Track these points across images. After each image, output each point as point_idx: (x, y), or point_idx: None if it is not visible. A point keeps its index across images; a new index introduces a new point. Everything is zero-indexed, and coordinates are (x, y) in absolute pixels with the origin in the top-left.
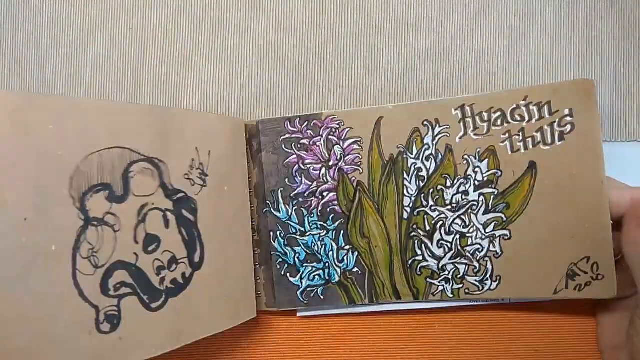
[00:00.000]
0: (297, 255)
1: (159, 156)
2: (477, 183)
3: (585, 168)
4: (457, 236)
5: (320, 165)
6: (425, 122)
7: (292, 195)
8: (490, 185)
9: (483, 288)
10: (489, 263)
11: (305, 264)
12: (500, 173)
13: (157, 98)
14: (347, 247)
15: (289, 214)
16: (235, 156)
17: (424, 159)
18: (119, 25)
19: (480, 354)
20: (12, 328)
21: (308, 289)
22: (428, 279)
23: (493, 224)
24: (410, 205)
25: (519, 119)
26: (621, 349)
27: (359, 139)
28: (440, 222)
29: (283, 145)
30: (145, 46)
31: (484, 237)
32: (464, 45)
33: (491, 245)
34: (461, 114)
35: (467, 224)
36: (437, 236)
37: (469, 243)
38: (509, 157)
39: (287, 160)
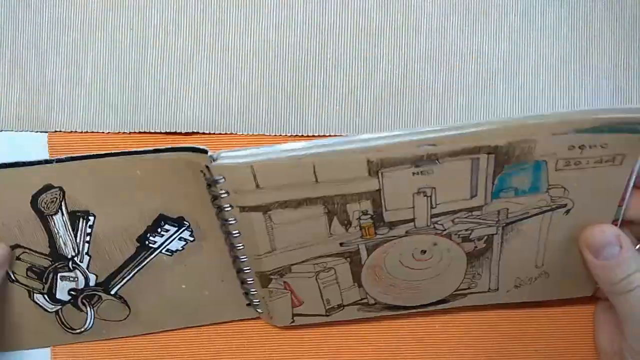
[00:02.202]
0: None
1: None
2: None
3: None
4: None
5: None
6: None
7: None
8: None
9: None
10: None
11: None
12: None
13: (157, 99)
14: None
15: None
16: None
17: None
18: (119, 26)
19: (480, 354)
20: None
21: None
22: None
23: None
24: None
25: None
26: (617, 355)
27: None
28: None
29: None
30: (146, 47)
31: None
32: (464, 46)
33: None
34: None
35: None
36: None
37: None
38: None
39: None
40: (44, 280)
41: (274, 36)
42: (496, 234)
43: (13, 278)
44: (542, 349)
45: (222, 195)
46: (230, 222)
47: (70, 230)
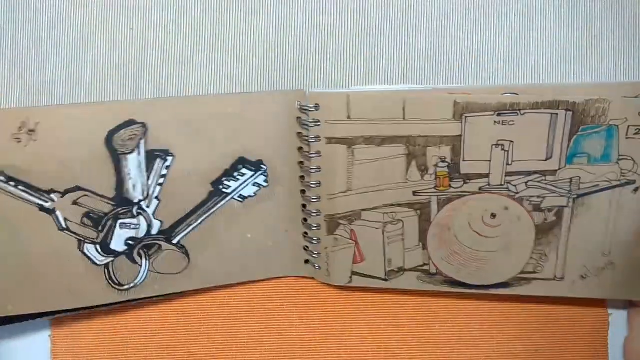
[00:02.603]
0: None
1: None
2: None
3: None
4: None
5: None
6: None
7: None
8: None
9: None
10: None
11: None
12: None
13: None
14: None
15: None
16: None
17: None
18: (119, 25)
19: (480, 354)
20: None
21: None
22: None
23: None
24: None
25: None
26: None
27: None
28: None
29: None
30: (146, 47)
31: None
32: (463, 46)
33: None
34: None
35: None
36: None
37: None
38: None
39: None
40: (100, 228)
41: (274, 36)
42: (567, 206)
43: (64, 226)
44: (543, 349)
45: (311, 126)
46: (312, 157)
47: (145, 170)
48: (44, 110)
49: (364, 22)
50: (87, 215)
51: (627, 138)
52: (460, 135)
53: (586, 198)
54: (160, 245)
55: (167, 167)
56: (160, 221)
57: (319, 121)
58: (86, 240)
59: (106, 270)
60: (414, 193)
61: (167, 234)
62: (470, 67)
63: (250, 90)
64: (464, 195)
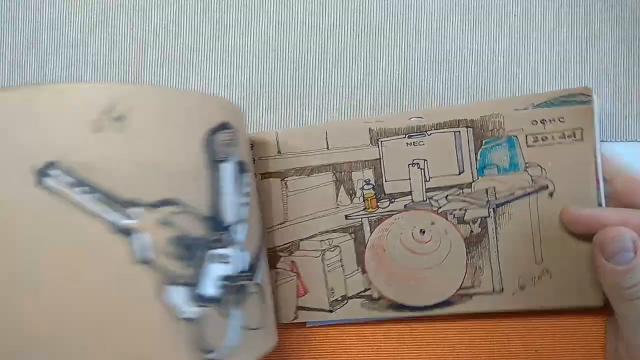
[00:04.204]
0: None
1: None
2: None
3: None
4: None
5: None
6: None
7: None
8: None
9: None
10: None
11: None
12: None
13: None
14: None
15: None
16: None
17: None
18: (119, 25)
19: (480, 354)
20: None
21: None
22: None
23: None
24: None
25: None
26: None
27: None
28: None
29: None
30: (146, 46)
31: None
32: (463, 46)
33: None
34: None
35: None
36: None
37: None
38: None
39: None
40: (192, 261)
41: (274, 36)
42: (489, 217)
43: (144, 255)
44: (543, 349)
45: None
46: None
47: (238, 185)
48: (143, 91)
49: (364, 22)
50: (177, 240)
51: (528, 146)
52: (379, 158)
53: (506, 207)
54: (245, 286)
55: (247, 184)
56: (249, 253)
57: (253, 159)
58: (173, 281)
59: (194, 328)
60: (346, 217)
61: (252, 270)
62: (470, 67)
63: (249, 90)
64: (392, 214)
